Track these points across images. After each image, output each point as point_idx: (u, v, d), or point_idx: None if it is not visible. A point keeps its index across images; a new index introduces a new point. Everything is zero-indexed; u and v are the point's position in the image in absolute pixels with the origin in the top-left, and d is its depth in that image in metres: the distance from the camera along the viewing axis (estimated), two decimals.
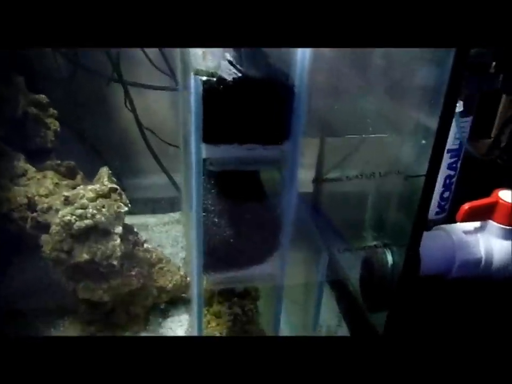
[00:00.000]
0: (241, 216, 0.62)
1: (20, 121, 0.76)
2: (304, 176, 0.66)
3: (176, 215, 0.96)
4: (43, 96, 0.79)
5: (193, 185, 0.56)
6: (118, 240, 0.62)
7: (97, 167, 0.84)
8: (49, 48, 0.61)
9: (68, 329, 0.70)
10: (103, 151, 0.95)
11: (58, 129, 0.81)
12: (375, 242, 0.72)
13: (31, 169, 0.70)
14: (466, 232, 0.84)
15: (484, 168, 1.12)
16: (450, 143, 0.96)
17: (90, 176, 0.77)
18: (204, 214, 0.60)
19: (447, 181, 1.00)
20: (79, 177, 0.80)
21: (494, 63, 0.88)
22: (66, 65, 0.90)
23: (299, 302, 0.76)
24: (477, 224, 0.85)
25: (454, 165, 0.98)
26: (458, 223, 0.84)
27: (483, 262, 0.81)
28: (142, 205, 0.99)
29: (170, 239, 0.89)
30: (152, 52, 0.93)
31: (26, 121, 0.77)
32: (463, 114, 0.90)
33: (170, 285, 0.71)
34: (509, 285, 0.82)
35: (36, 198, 0.65)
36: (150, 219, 0.94)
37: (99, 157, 0.94)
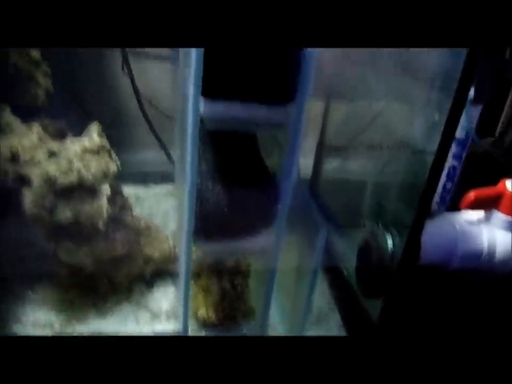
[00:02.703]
0: (237, 182, 0.58)
1: (10, 75, 0.72)
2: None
3: (169, 187, 0.93)
4: (36, 52, 0.75)
5: (189, 143, 0.52)
6: (105, 201, 0.58)
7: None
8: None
9: (46, 293, 0.66)
10: (97, 117, 0.91)
11: (50, 88, 0.77)
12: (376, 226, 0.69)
13: (16, 121, 0.65)
14: (469, 222, 0.81)
15: (487, 164, 1.09)
16: (458, 132, 0.92)
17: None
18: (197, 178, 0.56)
19: (451, 172, 0.96)
20: (68, 138, 0.75)
21: (509, 49, 0.85)
22: None
23: (292, 282, 0.73)
24: (481, 214, 0.82)
25: (459, 155, 0.95)
26: (461, 212, 0.81)
27: (485, 254, 0.78)
28: (135, 178, 0.95)
29: (161, 211, 0.85)
30: None
31: (16, 76, 0.72)
32: (473, 101, 0.87)
33: (157, 254, 0.67)
34: (510, 279, 0.79)
35: (20, 150, 0.61)
36: (141, 190, 0.91)
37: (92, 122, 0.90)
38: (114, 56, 0.90)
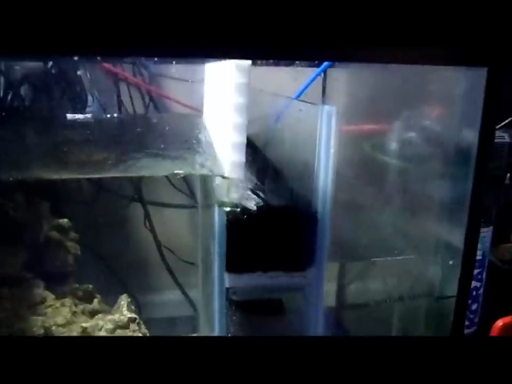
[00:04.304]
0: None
1: (42, 246, 0.76)
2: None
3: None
4: (66, 220, 0.81)
5: (216, 314, 0.54)
6: None
7: (115, 287, 0.82)
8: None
9: None
10: (121, 270, 0.95)
11: (79, 252, 0.81)
12: None
13: (50, 297, 0.68)
14: None
15: (509, 276, 1.09)
16: None
17: (107, 296, 0.76)
18: None
19: (474, 293, 0.96)
20: (96, 301, 0.77)
21: (508, 175, 0.90)
22: (90, 188, 0.93)
23: None
24: None
25: (480, 276, 0.96)
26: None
27: None
28: (159, 324, 0.96)
29: None
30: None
31: (48, 247, 0.77)
32: (483, 225, 0.90)
33: None
34: None
35: (53, 328, 0.63)
36: None
37: (117, 277, 0.94)
38: (137, 213, 0.96)
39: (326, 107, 0.50)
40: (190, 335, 0.66)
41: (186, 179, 0.96)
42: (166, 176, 0.95)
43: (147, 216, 0.95)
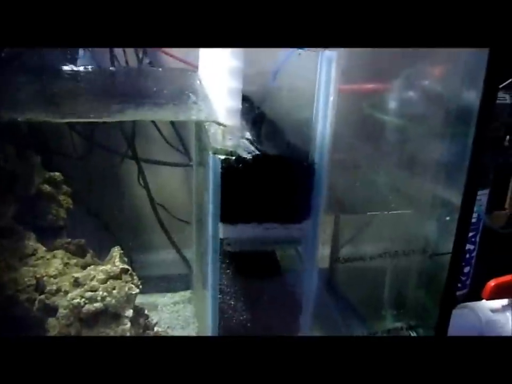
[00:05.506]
0: (259, 297, 0.59)
1: (33, 199, 0.75)
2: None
3: (186, 294, 0.93)
4: (58, 174, 0.79)
5: (209, 266, 0.54)
6: (128, 324, 0.58)
7: (107, 244, 0.81)
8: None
9: None
10: (114, 227, 0.94)
11: (71, 206, 0.80)
12: (399, 324, 0.68)
13: (41, 249, 0.68)
14: (493, 310, 0.80)
15: (503, 241, 1.09)
16: None
17: (100, 252, 0.76)
18: (219, 295, 0.57)
19: (467, 256, 0.97)
20: (88, 255, 0.77)
21: (508, 137, 0.89)
22: (82, 143, 0.91)
23: None
24: (504, 301, 0.81)
25: (473, 239, 0.96)
26: (484, 301, 0.81)
27: None
28: (152, 282, 0.96)
29: (181, 320, 0.84)
30: (166, 130, 0.95)
31: (39, 199, 0.76)
32: (480, 187, 0.89)
33: None
34: None
35: (45, 278, 0.62)
36: (159, 298, 0.91)
37: (110, 233, 0.93)
38: (130, 169, 0.94)
39: (327, 52, 0.48)
40: (189, 335, 0.65)
41: (180, 134, 0.94)
42: (160, 132, 0.93)
43: (141, 172, 0.94)
